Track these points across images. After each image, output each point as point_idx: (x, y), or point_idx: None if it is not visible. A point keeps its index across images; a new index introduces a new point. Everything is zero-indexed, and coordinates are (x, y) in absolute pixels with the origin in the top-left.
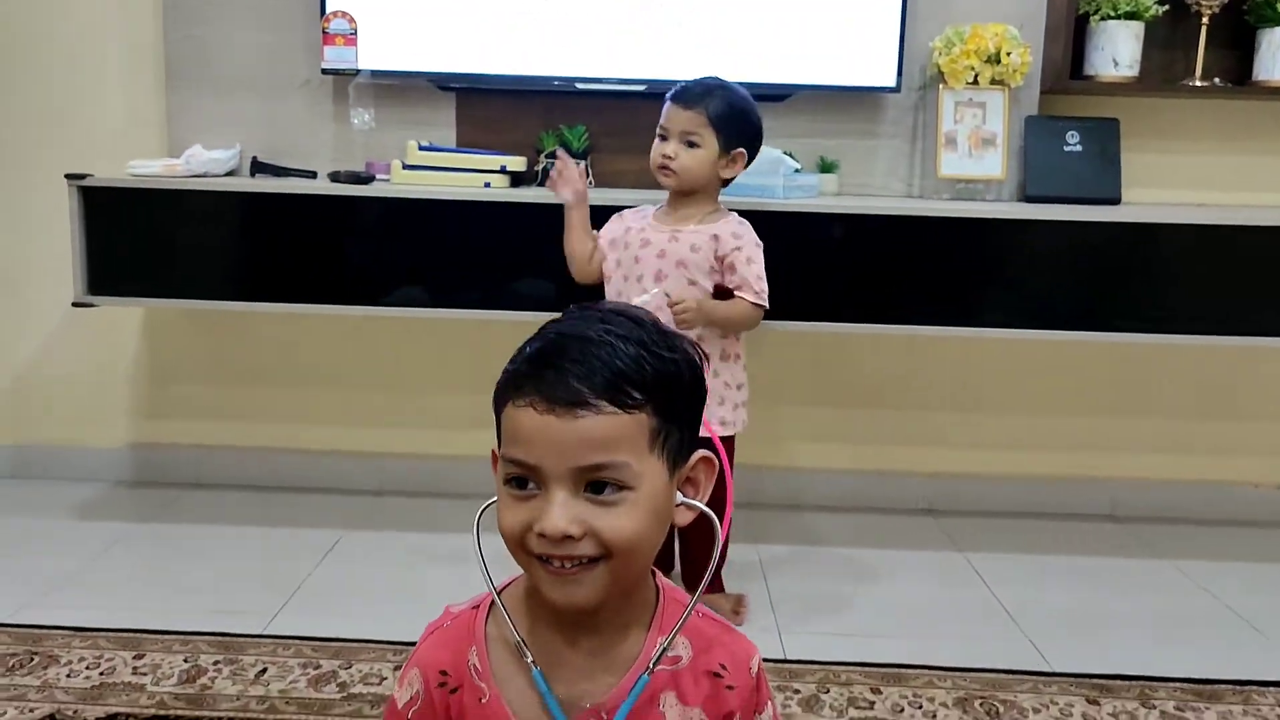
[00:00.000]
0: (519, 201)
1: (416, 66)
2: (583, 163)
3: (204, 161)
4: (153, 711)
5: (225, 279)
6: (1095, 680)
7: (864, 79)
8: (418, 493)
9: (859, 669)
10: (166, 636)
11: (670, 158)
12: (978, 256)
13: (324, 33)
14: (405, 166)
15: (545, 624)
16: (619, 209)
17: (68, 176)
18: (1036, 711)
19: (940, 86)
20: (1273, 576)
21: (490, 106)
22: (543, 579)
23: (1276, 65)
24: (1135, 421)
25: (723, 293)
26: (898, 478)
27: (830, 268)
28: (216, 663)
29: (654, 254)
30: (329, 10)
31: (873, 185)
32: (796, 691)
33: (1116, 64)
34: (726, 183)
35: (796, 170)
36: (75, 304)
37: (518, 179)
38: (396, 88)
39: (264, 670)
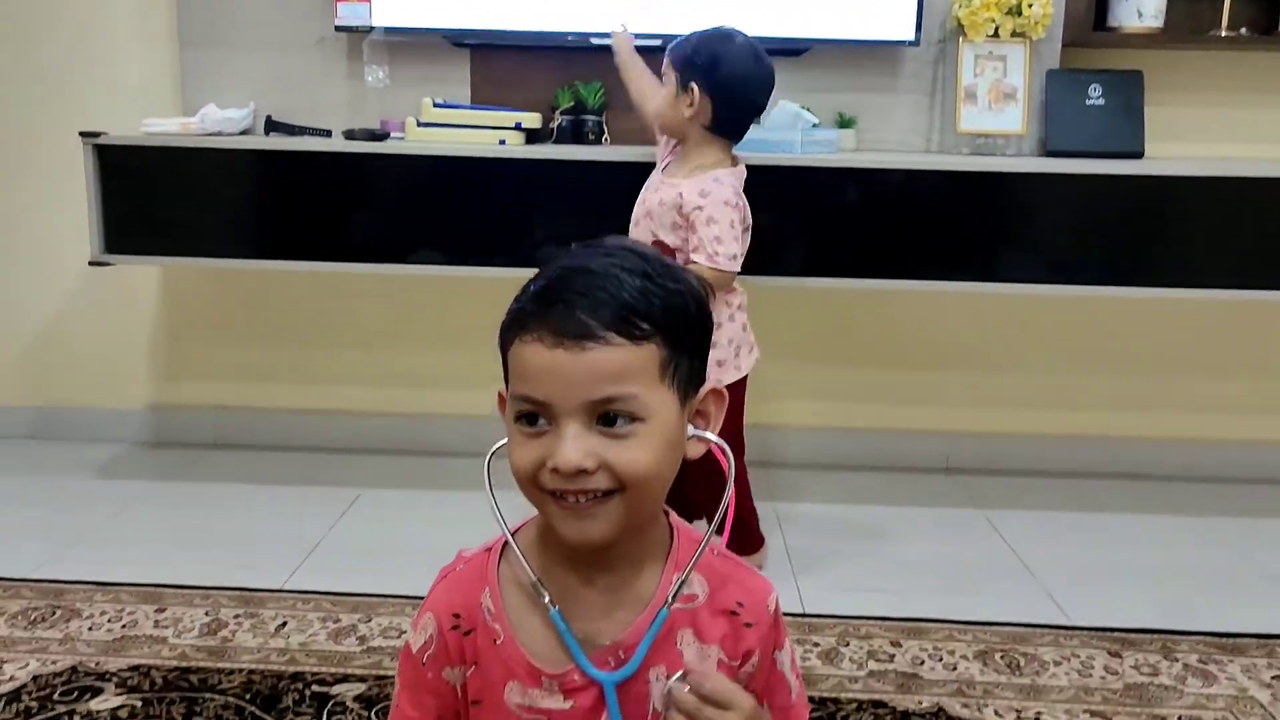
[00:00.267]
0: (534, 158)
1: (431, 23)
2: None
3: (218, 120)
4: (174, 663)
5: (241, 237)
6: (1116, 633)
7: (882, 32)
8: (437, 452)
9: (878, 623)
10: (187, 590)
11: None
12: (997, 212)
13: None
14: (420, 124)
15: (559, 563)
16: (632, 165)
17: (82, 134)
18: (1058, 664)
19: (960, 39)
20: None
21: (505, 63)
22: (557, 516)
23: None
24: (1156, 379)
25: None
26: (915, 436)
27: (848, 223)
28: (237, 616)
29: (641, 202)
30: None
31: (891, 141)
32: (815, 645)
33: (1140, 15)
34: (720, 131)
35: (814, 125)
36: (92, 263)
37: (533, 136)
38: (411, 45)
39: (284, 624)
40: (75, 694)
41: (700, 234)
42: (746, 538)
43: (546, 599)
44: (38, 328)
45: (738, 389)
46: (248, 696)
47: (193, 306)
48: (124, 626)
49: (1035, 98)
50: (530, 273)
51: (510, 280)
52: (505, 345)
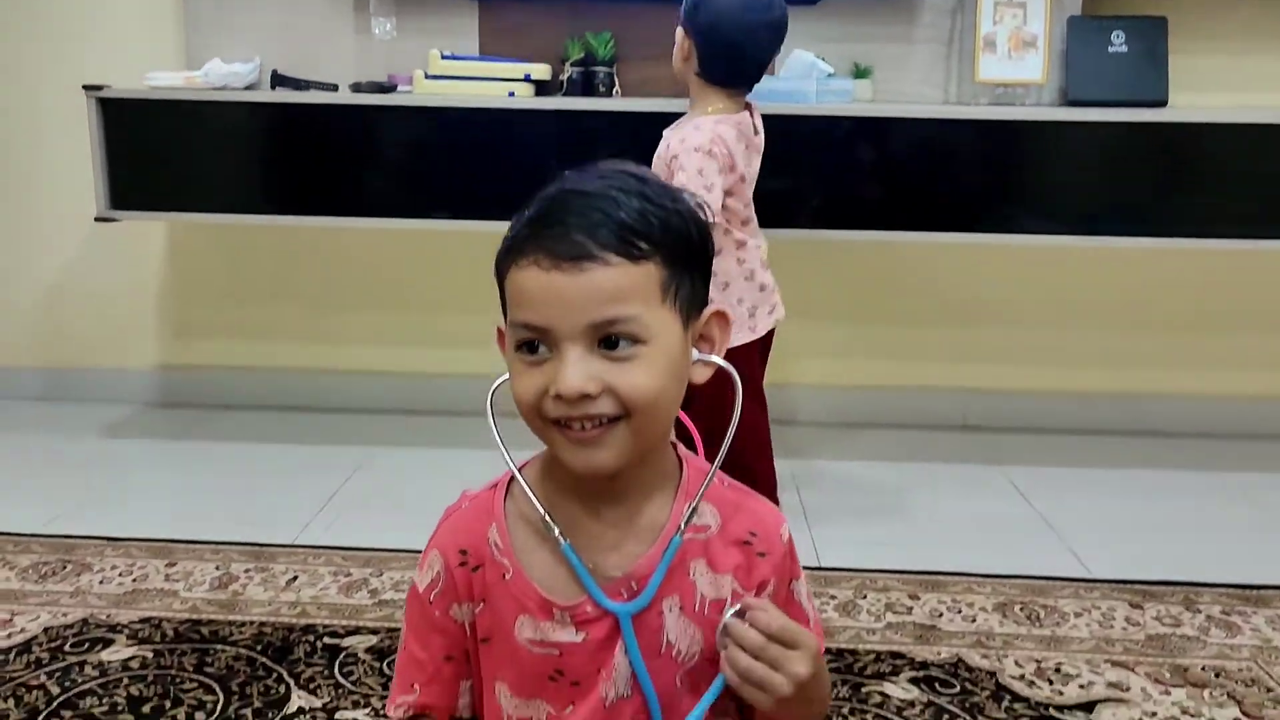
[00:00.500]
0: (544, 109)
1: None
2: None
3: (223, 75)
4: (185, 615)
5: (248, 193)
6: (1138, 585)
7: None
8: (448, 411)
9: (896, 576)
10: (198, 546)
11: None
12: (1016, 163)
13: None
14: (428, 76)
15: (566, 496)
16: (643, 117)
17: (85, 88)
18: (1078, 615)
19: None
20: None
21: (514, 14)
22: (562, 445)
23: None
24: (1178, 334)
25: None
26: (932, 393)
27: (864, 175)
28: (247, 570)
29: (656, 157)
30: None
31: (907, 92)
32: (832, 597)
33: None
34: (712, 79)
35: (829, 75)
36: (98, 219)
37: (542, 88)
38: None
39: (295, 578)
40: (86, 645)
41: (676, 180)
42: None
43: (556, 532)
44: (44, 288)
45: (751, 350)
46: (259, 648)
47: (200, 266)
48: (134, 580)
49: (1056, 45)
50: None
51: None
52: (501, 274)
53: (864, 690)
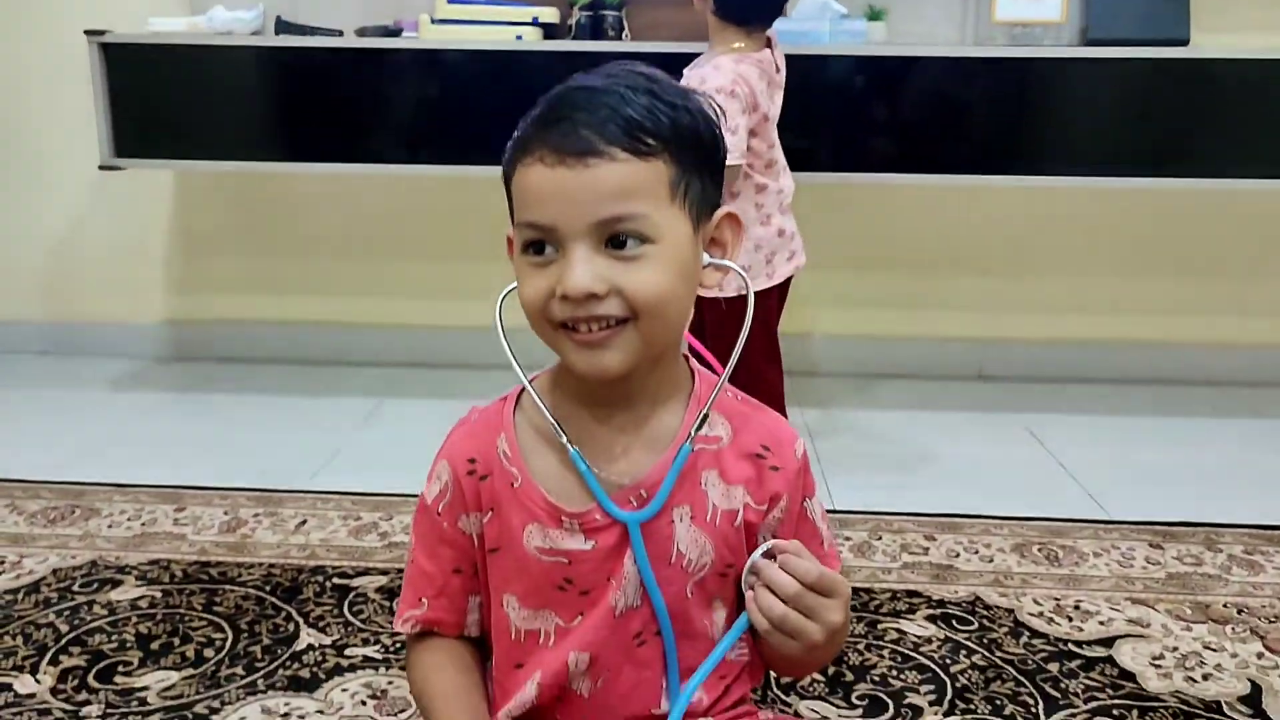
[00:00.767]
0: (553, 51)
1: None
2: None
3: (226, 21)
4: (194, 558)
5: (253, 140)
6: (1158, 526)
7: None
8: (459, 364)
9: (911, 518)
10: (206, 491)
11: None
12: (1034, 103)
13: None
14: (434, 21)
15: (576, 406)
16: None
17: (87, 33)
18: (1098, 555)
19: None
20: None
21: None
22: (569, 349)
23: None
24: (1198, 281)
25: None
26: (949, 343)
27: (879, 116)
28: (256, 515)
29: None
30: None
31: (923, 33)
32: (847, 539)
33: None
34: (726, 16)
35: (843, 16)
36: (102, 167)
37: (551, 31)
38: None
39: (304, 521)
40: (95, 585)
41: None
42: None
43: (564, 438)
44: (47, 240)
45: (769, 297)
46: (268, 588)
47: (206, 216)
48: (143, 525)
49: None
50: None
51: None
52: (509, 177)
53: (880, 627)
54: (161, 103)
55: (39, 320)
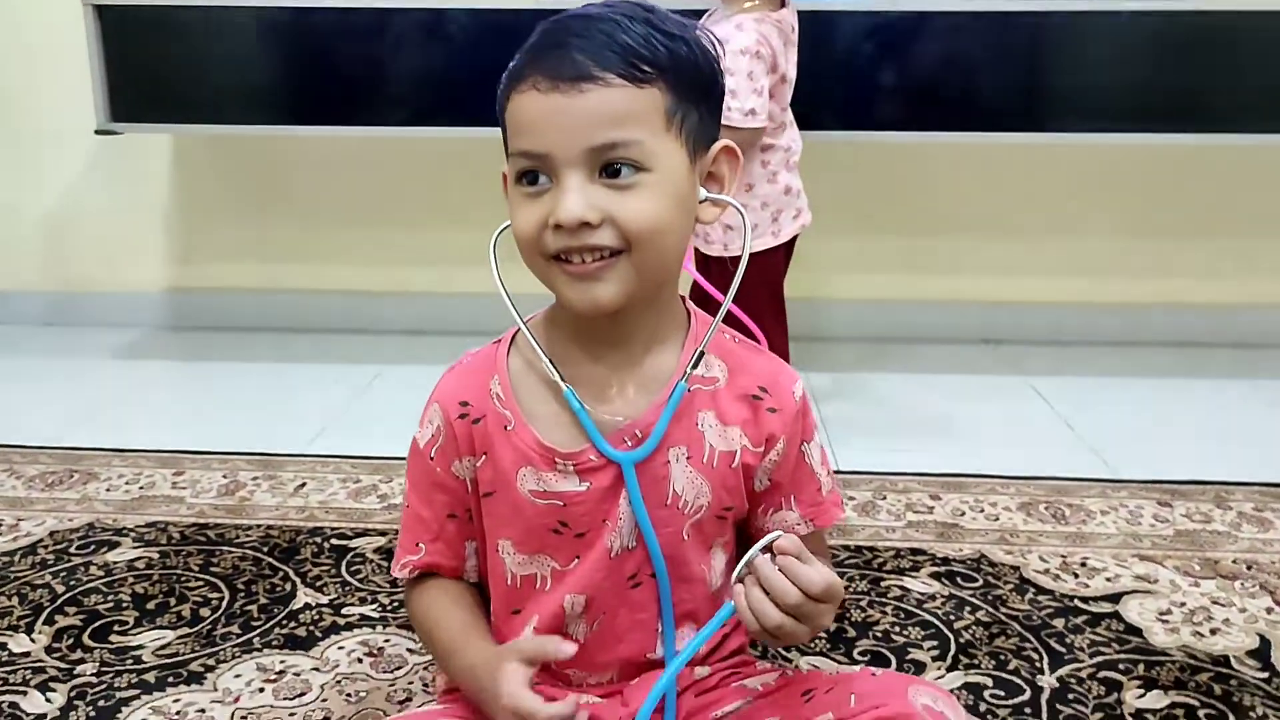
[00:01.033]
0: (560, 10)
1: None
2: None
3: None
4: (191, 520)
5: (253, 103)
6: (1166, 485)
7: None
8: (459, 331)
9: (916, 478)
10: (205, 455)
11: None
12: (1044, 57)
13: None
14: None
15: (570, 345)
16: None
17: None
18: (1105, 513)
19: None
20: None
21: None
22: (563, 283)
23: None
24: (1208, 241)
25: None
26: (957, 305)
27: (882, 72)
28: (255, 478)
29: None
30: None
31: None
32: (851, 499)
33: None
34: None
35: None
36: (99, 131)
37: None
38: None
39: (303, 484)
40: (92, 547)
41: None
42: None
43: (558, 376)
44: (44, 207)
45: (776, 255)
46: (266, 549)
47: (205, 183)
48: (141, 488)
49: None
50: None
51: None
52: (503, 108)
53: (883, 584)
54: (158, 66)
55: (37, 289)
